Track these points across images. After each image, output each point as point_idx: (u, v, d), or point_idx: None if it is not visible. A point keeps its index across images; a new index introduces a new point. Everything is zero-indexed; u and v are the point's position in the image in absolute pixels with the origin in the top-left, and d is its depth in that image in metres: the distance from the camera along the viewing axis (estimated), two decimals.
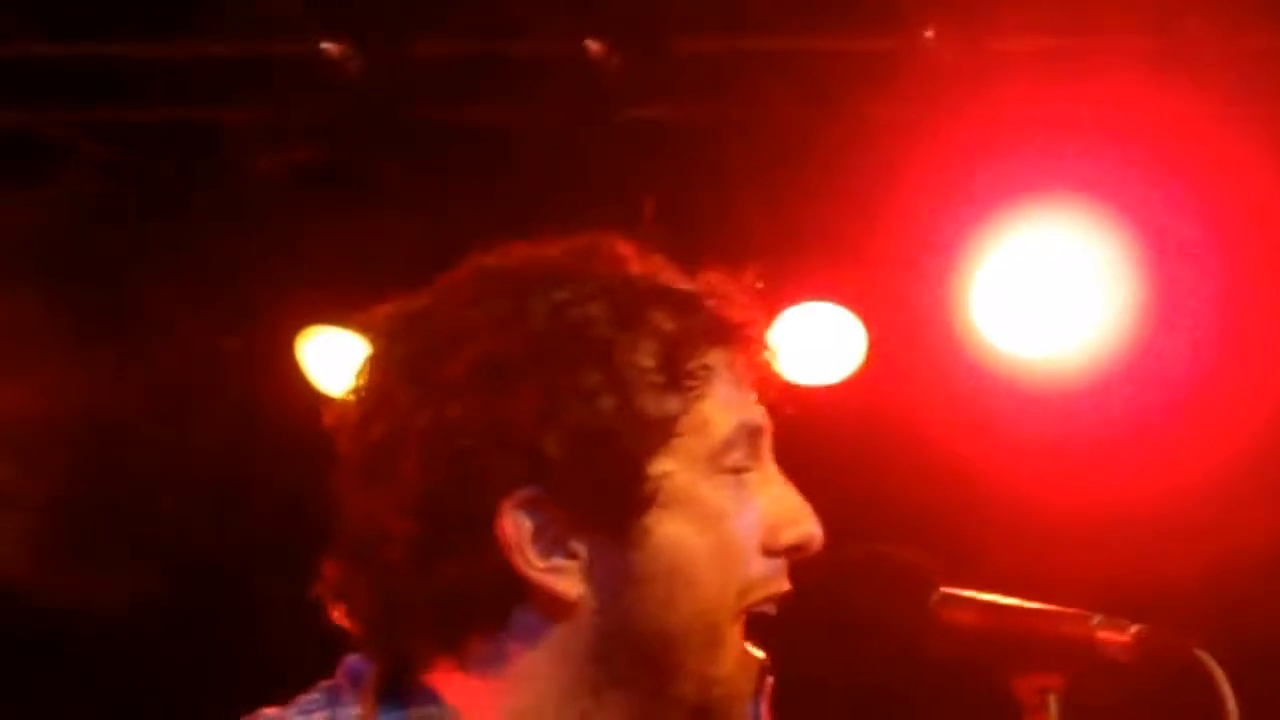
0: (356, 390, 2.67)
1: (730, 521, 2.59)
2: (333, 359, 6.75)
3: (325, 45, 6.34)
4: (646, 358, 2.58)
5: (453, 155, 6.43)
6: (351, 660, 2.65)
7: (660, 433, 2.57)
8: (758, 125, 6.44)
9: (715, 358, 2.62)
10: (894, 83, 6.37)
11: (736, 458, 2.60)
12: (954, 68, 6.28)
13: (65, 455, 7.33)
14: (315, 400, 6.36)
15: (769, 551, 2.59)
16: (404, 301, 2.68)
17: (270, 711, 2.62)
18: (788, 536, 2.60)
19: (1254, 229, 6.40)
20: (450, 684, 2.62)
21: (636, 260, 2.66)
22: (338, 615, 2.63)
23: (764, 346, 2.69)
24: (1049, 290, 6.48)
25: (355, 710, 2.61)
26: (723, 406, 2.61)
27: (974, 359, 6.52)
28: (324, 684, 2.66)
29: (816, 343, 6.54)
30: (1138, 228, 6.39)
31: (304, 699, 2.64)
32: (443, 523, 2.55)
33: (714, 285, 2.66)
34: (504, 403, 2.56)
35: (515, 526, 2.52)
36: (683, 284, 2.66)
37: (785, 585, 2.60)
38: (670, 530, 2.57)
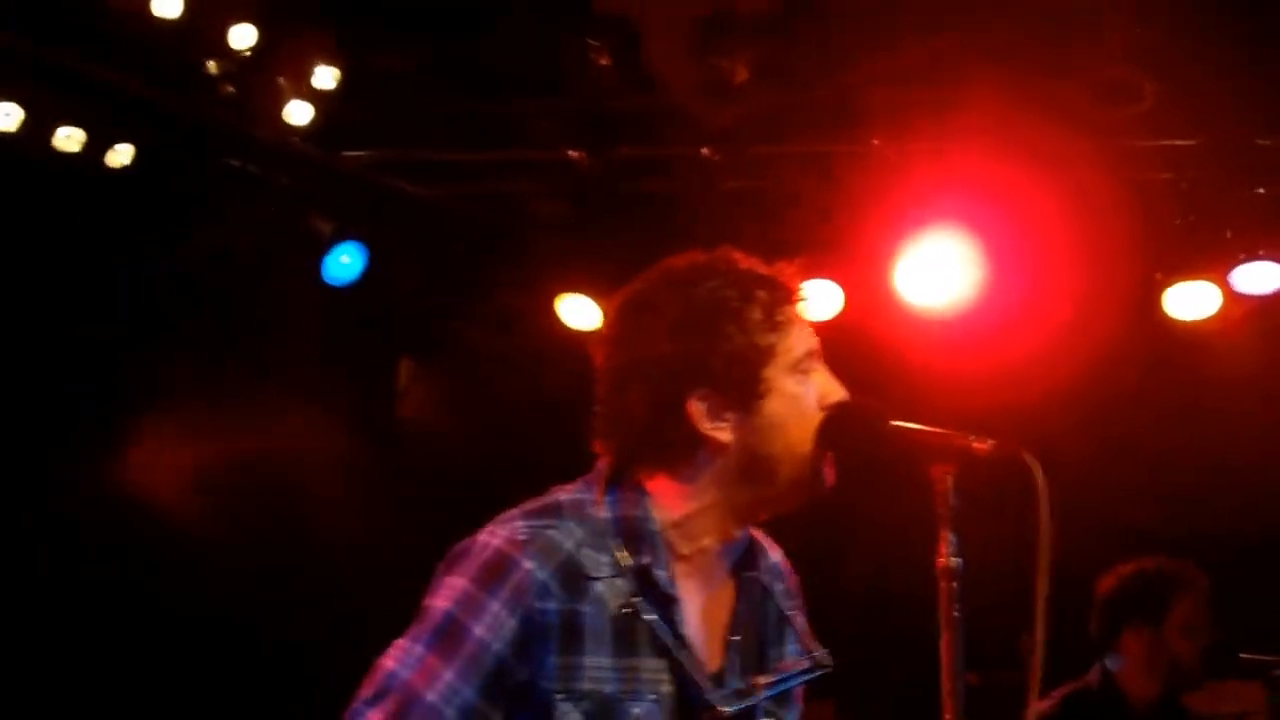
0: (605, 333, 2.67)
1: (803, 400, 2.60)
2: (576, 312, 6.64)
3: (570, 152, 6.29)
4: (757, 314, 2.60)
5: (637, 206, 6.42)
6: (598, 465, 2.65)
7: (768, 354, 2.59)
8: (787, 192, 6.41)
9: (790, 312, 2.63)
10: (857, 164, 6.30)
11: (805, 365, 2.61)
12: (890, 159, 6.21)
13: None
14: (567, 333, 6.48)
15: (823, 409, 2.61)
16: (630, 284, 2.67)
17: (557, 487, 2.65)
18: (830, 399, 2.62)
19: (1048, 241, 6.31)
20: (654, 483, 2.61)
21: (745, 260, 2.65)
22: (595, 446, 2.64)
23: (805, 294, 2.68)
24: (943, 272, 6.32)
25: (595, 491, 2.62)
26: (798, 338, 2.62)
27: (902, 308, 6.42)
28: (582, 478, 2.66)
29: (815, 301, 6.43)
30: (989, 239, 6.27)
31: (574, 484, 2.64)
32: (661, 406, 2.58)
33: (785, 271, 2.66)
34: (690, 344, 2.57)
35: (697, 408, 2.56)
36: (770, 272, 2.64)
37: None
38: (774, 406, 2.59)
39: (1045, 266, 6.35)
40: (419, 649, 2.49)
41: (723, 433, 2.58)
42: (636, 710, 2.49)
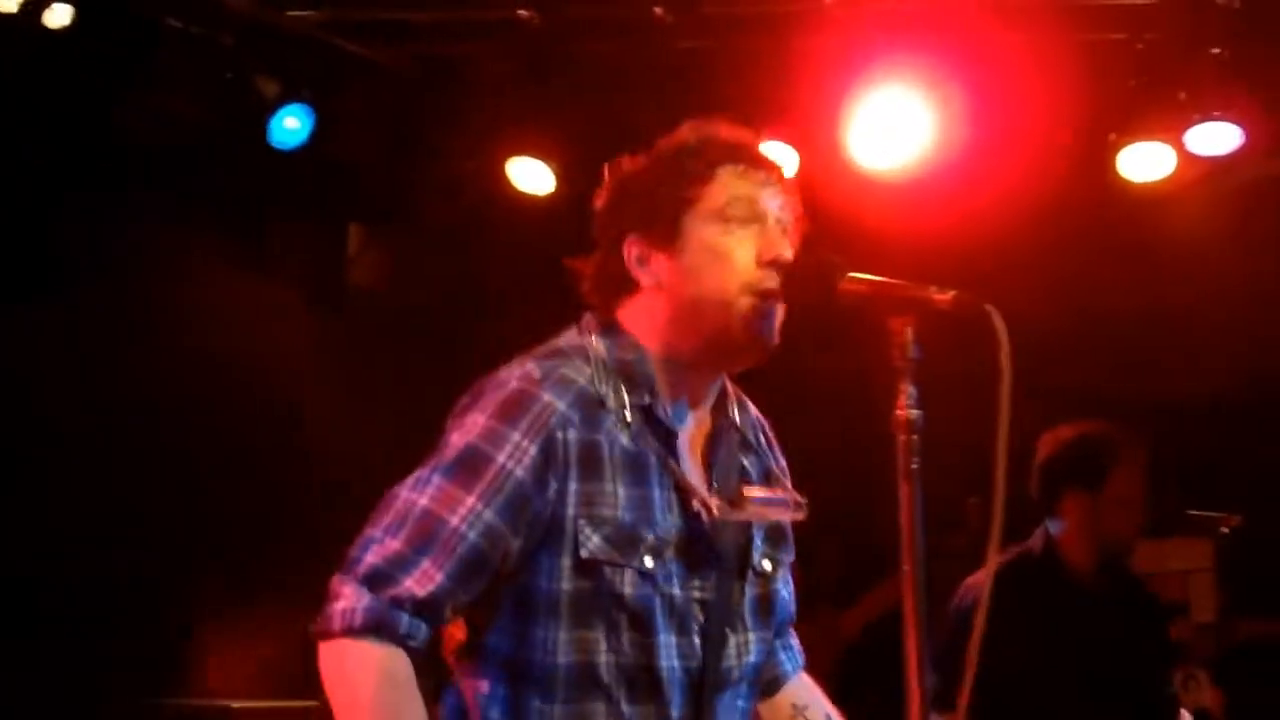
0: (600, 189, 2.79)
1: (722, 249, 2.65)
2: (526, 175, 6.53)
3: (520, 11, 6.13)
4: (690, 166, 2.69)
5: (587, 68, 6.32)
6: (586, 315, 2.77)
7: (687, 203, 2.67)
8: (739, 53, 6.30)
9: (724, 168, 2.68)
10: (810, 23, 6.16)
11: (728, 214, 2.66)
12: (843, 18, 6.08)
13: None
14: (517, 196, 6.40)
15: (760, 263, 2.65)
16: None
17: (553, 337, 2.75)
18: (768, 255, 2.65)
19: (1001, 101, 6.24)
20: (625, 315, 2.71)
21: (711, 127, 2.75)
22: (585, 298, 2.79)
23: (761, 160, 2.74)
24: (896, 132, 6.23)
25: (589, 337, 2.72)
26: (722, 189, 2.67)
27: (855, 169, 6.35)
28: (573, 326, 2.78)
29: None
30: (942, 98, 6.17)
31: (567, 331, 2.76)
32: (606, 247, 2.75)
33: (741, 134, 2.74)
34: (630, 194, 2.72)
35: (629, 250, 2.71)
36: (725, 134, 2.73)
37: (772, 282, 2.65)
38: (692, 252, 2.66)
39: (998, 126, 6.29)
40: (438, 478, 2.55)
41: (648, 275, 2.69)
42: (650, 537, 2.59)
